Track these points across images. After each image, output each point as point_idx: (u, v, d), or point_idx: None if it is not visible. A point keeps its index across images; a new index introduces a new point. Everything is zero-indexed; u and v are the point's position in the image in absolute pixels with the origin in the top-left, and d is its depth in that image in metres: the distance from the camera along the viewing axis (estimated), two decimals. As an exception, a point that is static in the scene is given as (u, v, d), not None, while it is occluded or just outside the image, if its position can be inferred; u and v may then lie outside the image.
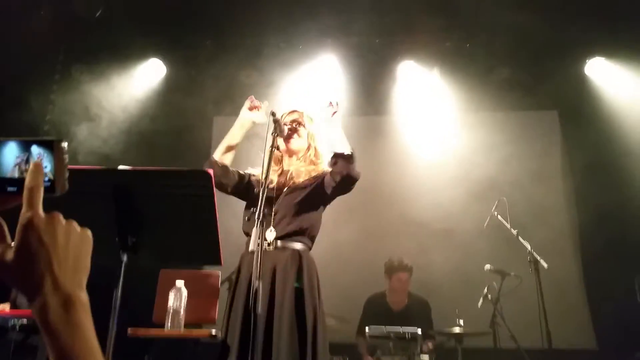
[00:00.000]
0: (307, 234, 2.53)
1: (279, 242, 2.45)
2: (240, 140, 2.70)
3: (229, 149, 2.66)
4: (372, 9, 5.19)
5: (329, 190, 2.53)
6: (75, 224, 0.72)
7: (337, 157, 2.46)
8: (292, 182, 2.59)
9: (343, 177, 2.45)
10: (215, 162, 2.59)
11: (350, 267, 5.37)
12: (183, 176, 1.77)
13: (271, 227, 2.45)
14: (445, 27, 5.42)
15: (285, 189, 2.55)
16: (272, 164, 2.41)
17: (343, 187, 2.53)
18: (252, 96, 2.61)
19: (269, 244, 2.42)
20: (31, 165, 0.70)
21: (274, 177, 2.61)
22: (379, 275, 4.89)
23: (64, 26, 5.30)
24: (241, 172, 2.69)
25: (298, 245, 2.49)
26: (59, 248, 0.68)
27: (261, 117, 2.61)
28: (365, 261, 5.34)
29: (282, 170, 2.68)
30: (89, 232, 0.74)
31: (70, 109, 5.36)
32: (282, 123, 2.52)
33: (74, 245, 0.70)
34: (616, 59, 5.43)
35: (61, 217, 0.70)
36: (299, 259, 2.45)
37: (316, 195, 2.55)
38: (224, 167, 2.58)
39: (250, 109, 2.60)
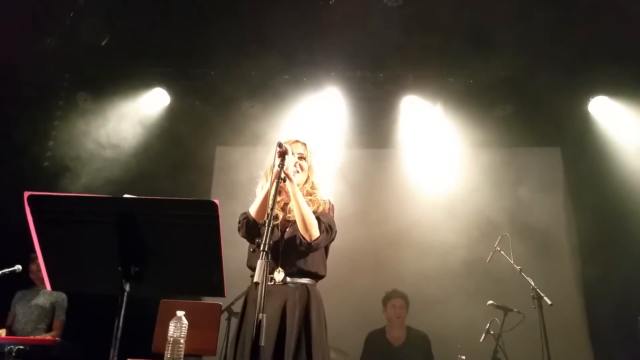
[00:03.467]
0: (314, 274, 2.55)
1: (287, 279, 2.47)
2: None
3: (264, 204, 2.49)
4: (376, 44, 5.27)
5: None
6: None
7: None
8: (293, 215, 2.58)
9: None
10: (251, 220, 2.50)
11: (350, 299, 5.31)
12: (189, 206, 1.76)
13: (279, 268, 2.46)
14: (449, 63, 5.50)
15: (288, 227, 2.54)
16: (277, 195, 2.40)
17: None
18: (279, 141, 2.41)
19: (277, 281, 2.45)
20: None
21: (278, 212, 2.61)
22: (379, 308, 4.85)
23: (69, 54, 5.37)
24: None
25: (306, 280, 2.51)
26: None
27: (292, 160, 2.50)
28: (366, 294, 5.29)
29: (284, 203, 2.66)
30: None
31: (74, 136, 5.38)
32: (291, 157, 2.50)
33: None
34: (620, 97, 5.48)
35: None
36: (307, 295, 2.46)
37: None
38: (255, 225, 2.50)
39: (280, 155, 2.41)
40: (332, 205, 2.72)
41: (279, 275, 2.46)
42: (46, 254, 1.77)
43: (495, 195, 5.53)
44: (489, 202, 5.49)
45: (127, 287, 1.73)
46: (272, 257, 2.42)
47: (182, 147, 5.87)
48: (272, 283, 2.43)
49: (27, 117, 5.17)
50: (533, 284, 3.96)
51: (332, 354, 4.15)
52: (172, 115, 5.90)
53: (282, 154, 2.42)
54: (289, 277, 2.46)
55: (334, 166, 5.66)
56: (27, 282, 4.56)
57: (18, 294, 4.67)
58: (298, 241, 2.46)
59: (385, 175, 6.00)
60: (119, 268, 1.73)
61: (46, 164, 5.47)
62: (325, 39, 5.20)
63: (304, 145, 2.79)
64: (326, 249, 2.69)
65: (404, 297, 4.77)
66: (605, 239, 5.18)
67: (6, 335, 4.23)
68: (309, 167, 2.75)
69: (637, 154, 5.31)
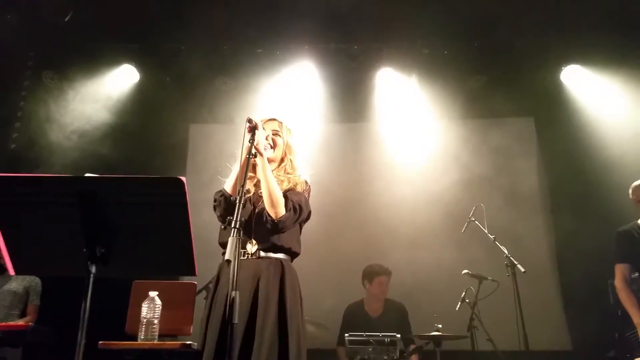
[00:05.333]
0: (288, 250, 2.52)
1: (261, 252, 2.44)
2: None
3: (237, 180, 2.46)
4: (350, 17, 5.19)
5: None
6: None
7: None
8: None
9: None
10: (228, 196, 2.45)
11: (328, 275, 5.36)
12: (154, 184, 1.71)
13: (252, 240, 2.42)
14: (423, 34, 5.46)
15: (261, 201, 2.50)
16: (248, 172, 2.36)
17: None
18: (249, 117, 2.37)
19: (250, 254, 2.41)
20: None
21: (250, 187, 2.57)
22: (357, 283, 4.90)
23: (32, 31, 5.16)
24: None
25: (280, 255, 2.48)
26: None
27: (262, 134, 2.45)
28: (344, 269, 5.34)
29: (258, 179, 2.62)
30: None
31: (40, 117, 5.20)
32: (262, 131, 2.45)
33: None
34: (592, 66, 5.52)
35: None
36: (282, 269, 2.43)
37: None
38: (230, 201, 2.44)
39: (250, 130, 2.37)
40: (309, 186, 2.69)
41: (252, 247, 2.42)
42: (7, 237, 1.71)
43: (470, 166, 5.60)
44: (464, 173, 5.56)
45: (93, 269, 1.68)
46: (244, 232, 2.39)
47: (154, 125, 5.74)
48: (245, 257, 2.39)
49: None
50: (507, 253, 4.04)
51: (312, 328, 4.19)
52: (143, 93, 5.73)
53: (252, 129, 2.37)
54: (262, 251, 2.43)
55: (310, 140, 5.62)
56: (-2, 268, 4.46)
57: (-11, 281, 4.56)
58: (264, 218, 2.43)
59: (362, 148, 6.00)
60: (84, 250, 1.68)
61: (13, 146, 5.31)
62: (298, 11, 5.08)
63: (280, 123, 2.74)
64: (300, 227, 2.67)
65: (389, 274, 4.79)
66: (577, 205, 5.30)
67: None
68: (287, 145, 2.70)
69: (607, 120, 5.39)
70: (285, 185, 2.57)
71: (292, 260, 2.57)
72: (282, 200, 2.44)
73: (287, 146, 2.71)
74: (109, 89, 5.53)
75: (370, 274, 4.81)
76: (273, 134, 2.67)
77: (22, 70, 5.53)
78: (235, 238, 1.94)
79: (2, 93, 5.27)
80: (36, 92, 5.42)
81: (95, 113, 5.33)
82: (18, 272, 1.79)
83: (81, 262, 1.70)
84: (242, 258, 2.36)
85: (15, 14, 4.90)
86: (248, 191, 2.54)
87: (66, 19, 4.83)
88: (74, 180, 1.64)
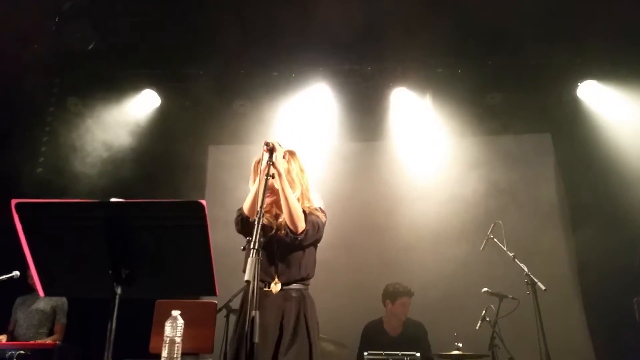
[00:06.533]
0: (307, 277, 2.64)
1: (284, 287, 2.56)
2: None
3: (255, 201, 2.57)
4: (363, 38, 5.28)
5: None
6: None
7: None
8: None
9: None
10: (246, 217, 2.58)
11: (347, 293, 5.35)
12: (176, 207, 1.78)
13: (276, 279, 2.54)
14: (436, 53, 5.51)
15: (281, 227, 2.58)
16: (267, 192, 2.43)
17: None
18: (266, 140, 2.46)
19: (274, 289, 2.54)
20: None
21: (271, 208, 2.66)
22: (376, 301, 4.89)
23: (57, 60, 5.36)
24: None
25: (300, 286, 2.59)
26: None
27: (280, 155, 2.55)
28: (362, 287, 5.34)
29: (276, 198, 2.68)
30: None
31: (65, 141, 5.38)
32: (280, 152, 2.54)
33: None
34: (608, 81, 5.50)
35: None
36: (304, 301, 2.55)
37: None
38: (248, 221, 2.57)
39: (268, 151, 2.45)
40: (325, 213, 2.76)
41: (275, 286, 2.53)
42: (37, 260, 1.79)
43: (487, 183, 5.57)
44: (481, 190, 5.54)
45: (119, 290, 1.75)
46: (266, 255, 2.49)
47: (174, 147, 5.89)
48: (269, 290, 2.52)
49: (19, 125, 5.17)
50: (527, 270, 4.00)
51: (330, 347, 4.19)
52: (164, 117, 5.90)
53: (270, 151, 2.46)
54: (285, 285, 2.54)
55: (326, 160, 5.68)
56: (26, 287, 4.59)
57: (18, 300, 4.71)
58: (285, 233, 2.50)
59: (378, 167, 6.02)
60: (110, 272, 1.75)
61: (39, 170, 5.48)
62: (312, 34, 5.19)
63: (292, 152, 2.81)
64: (315, 248, 2.73)
65: (412, 294, 4.79)
66: (599, 221, 5.22)
67: (7, 341, 4.27)
68: (300, 169, 2.76)
69: (625, 135, 5.34)
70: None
71: (309, 283, 2.66)
72: (302, 215, 2.53)
73: (300, 170, 2.77)
74: (131, 113, 5.70)
75: (394, 294, 4.78)
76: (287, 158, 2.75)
77: (47, 97, 5.73)
78: (254, 259, 1.99)
79: (29, 119, 5.46)
80: (61, 118, 5.61)
81: (118, 137, 5.49)
82: (47, 294, 1.86)
83: (106, 284, 1.77)
84: (266, 289, 2.52)
85: (42, 44, 5.09)
86: (269, 212, 2.62)
87: (89, 47, 5.00)
88: (101, 205, 1.72)
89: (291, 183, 2.69)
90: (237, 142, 5.91)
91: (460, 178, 5.71)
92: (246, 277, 1.95)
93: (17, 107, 5.21)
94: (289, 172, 2.70)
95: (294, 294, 2.55)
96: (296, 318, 2.49)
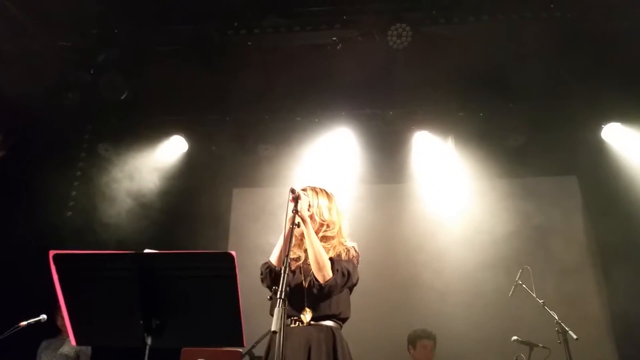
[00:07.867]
0: (339, 316, 2.58)
1: (312, 321, 2.50)
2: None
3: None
4: (384, 82, 5.39)
5: None
6: None
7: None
8: None
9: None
10: (273, 268, 2.57)
11: (373, 340, 5.24)
12: (206, 258, 1.82)
13: (306, 308, 2.50)
14: (457, 98, 5.56)
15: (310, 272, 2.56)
16: (294, 240, 2.46)
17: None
18: (292, 187, 2.47)
19: (302, 322, 2.49)
20: None
21: (300, 254, 2.66)
22: (403, 347, 4.79)
23: (91, 107, 5.59)
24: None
25: (330, 323, 2.54)
26: None
27: (305, 203, 2.58)
28: (389, 333, 5.23)
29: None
30: None
31: (96, 187, 5.54)
32: (305, 200, 2.56)
33: None
34: (632, 123, 5.46)
35: None
36: (333, 338, 2.48)
37: None
38: (277, 272, 2.54)
39: (293, 200, 2.46)
40: (358, 253, 2.74)
41: (305, 316, 2.49)
42: (71, 310, 1.84)
43: (514, 228, 5.48)
44: (507, 235, 5.45)
45: (149, 341, 1.78)
46: (297, 300, 2.46)
47: (200, 189, 6.04)
48: (296, 325, 2.46)
49: (50, 169, 5.35)
50: (557, 318, 3.87)
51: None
52: (191, 161, 6.05)
53: (295, 199, 2.48)
54: (314, 320, 2.49)
55: (348, 203, 5.69)
56: (52, 331, 4.62)
57: (43, 343, 4.73)
58: (311, 282, 2.49)
59: (400, 211, 6.00)
60: (141, 322, 1.78)
61: (69, 213, 5.62)
62: (335, 80, 5.35)
63: (313, 190, 2.82)
64: (350, 291, 2.71)
65: (434, 338, 4.72)
66: (630, 265, 5.07)
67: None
68: (331, 210, 2.76)
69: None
70: (331, 254, 2.63)
71: (342, 326, 2.61)
72: (328, 264, 2.51)
73: (333, 212, 2.77)
74: (160, 158, 5.86)
75: (414, 339, 4.74)
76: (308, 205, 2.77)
77: (79, 143, 5.95)
78: (281, 309, 1.99)
79: (61, 164, 5.64)
80: (92, 163, 5.79)
81: (147, 182, 5.63)
82: (79, 342, 1.89)
83: (137, 333, 1.80)
84: (293, 326, 2.46)
85: (77, 93, 5.33)
86: (298, 259, 2.63)
87: (122, 97, 5.21)
88: (135, 256, 1.77)
89: (330, 222, 2.70)
90: (261, 184, 6.00)
91: (484, 221, 5.64)
92: (273, 328, 1.95)
93: (49, 152, 5.42)
94: (329, 209, 2.72)
95: (322, 329, 2.48)
96: (326, 356, 2.41)
